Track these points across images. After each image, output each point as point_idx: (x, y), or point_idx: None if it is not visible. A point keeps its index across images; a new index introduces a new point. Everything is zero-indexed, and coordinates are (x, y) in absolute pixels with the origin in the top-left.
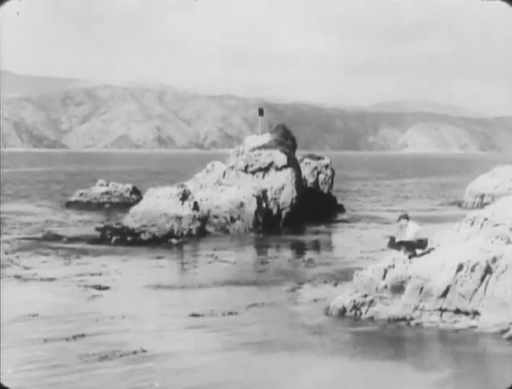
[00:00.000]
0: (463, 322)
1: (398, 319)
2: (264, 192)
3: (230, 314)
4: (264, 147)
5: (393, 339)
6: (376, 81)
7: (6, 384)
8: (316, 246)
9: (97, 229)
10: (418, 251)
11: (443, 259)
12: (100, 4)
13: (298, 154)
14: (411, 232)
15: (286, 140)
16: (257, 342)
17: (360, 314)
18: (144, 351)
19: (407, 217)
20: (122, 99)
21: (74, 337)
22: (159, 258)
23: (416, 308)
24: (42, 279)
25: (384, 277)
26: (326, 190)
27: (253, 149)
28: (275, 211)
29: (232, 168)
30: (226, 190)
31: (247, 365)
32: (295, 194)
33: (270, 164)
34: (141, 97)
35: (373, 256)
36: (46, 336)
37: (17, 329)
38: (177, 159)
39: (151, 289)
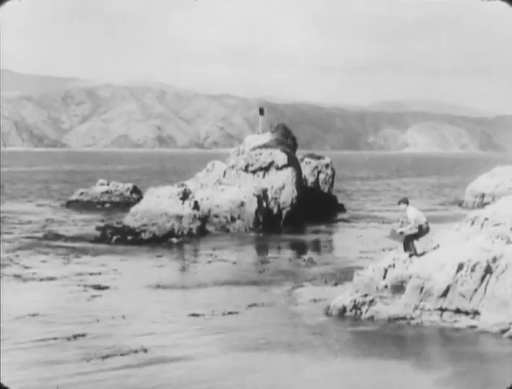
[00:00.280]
0: (463, 321)
1: (398, 319)
2: (264, 191)
3: (230, 313)
4: (265, 146)
5: (394, 338)
6: (376, 80)
7: (6, 384)
8: (316, 246)
9: (98, 228)
10: (419, 251)
11: (443, 259)
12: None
13: (298, 153)
14: (411, 216)
15: (286, 140)
16: (257, 342)
17: (361, 313)
18: (145, 350)
19: (406, 201)
20: (123, 98)
21: (75, 337)
22: (159, 257)
23: (416, 307)
24: (42, 279)
25: (384, 277)
26: (326, 190)
27: (254, 148)
28: (275, 210)
29: (233, 167)
30: (226, 189)
31: (247, 365)
32: (295, 193)
33: (271, 163)
34: (141, 96)
35: (373, 256)
36: (46, 336)
37: (17, 329)
38: (178, 158)
39: (151, 289)
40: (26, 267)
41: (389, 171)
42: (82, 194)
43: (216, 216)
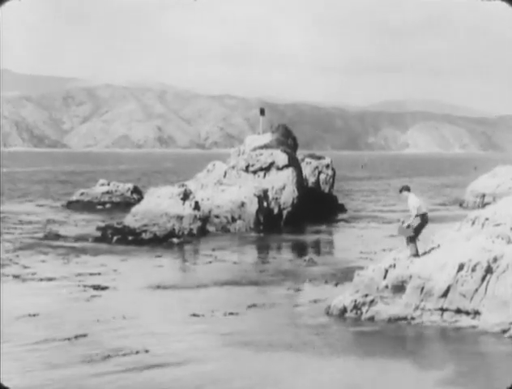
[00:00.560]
0: (464, 321)
1: (399, 319)
2: (265, 192)
3: (231, 314)
4: (265, 146)
5: (395, 338)
6: (376, 80)
7: (6, 384)
8: (317, 246)
9: (98, 229)
10: (420, 251)
11: (444, 259)
12: (101, 4)
13: (299, 154)
14: (412, 204)
15: (287, 140)
16: (257, 342)
17: (361, 313)
18: (147, 351)
19: (408, 189)
20: (123, 98)
21: (76, 337)
22: (159, 257)
23: (416, 307)
24: (41, 279)
25: (385, 277)
26: (327, 190)
27: (255, 149)
28: (276, 210)
29: (233, 167)
30: (227, 189)
31: (248, 365)
32: (296, 193)
33: (272, 163)
34: (142, 97)
35: (373, 256)
36: (47, 336)
37: (17, 329)
38: (178, 159)
39: (151, 289)
40: (25, 267)
41: (389, 171)
42: (82, 194)
43: (217, 217)
